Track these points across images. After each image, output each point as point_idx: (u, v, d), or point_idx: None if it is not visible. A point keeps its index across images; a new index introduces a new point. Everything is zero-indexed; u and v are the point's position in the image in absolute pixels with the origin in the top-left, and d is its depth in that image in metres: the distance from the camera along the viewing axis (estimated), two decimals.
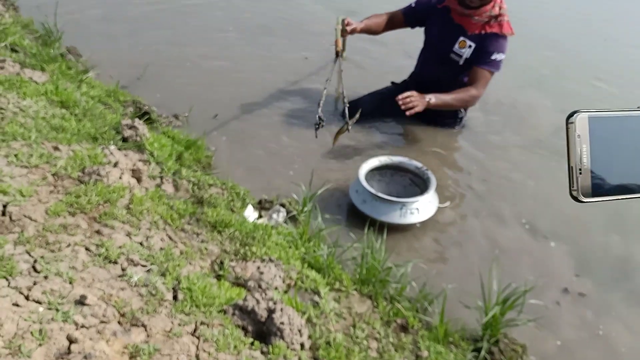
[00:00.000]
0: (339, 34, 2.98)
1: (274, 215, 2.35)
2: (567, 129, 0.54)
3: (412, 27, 3.37)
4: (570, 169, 0.55)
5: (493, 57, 2.97)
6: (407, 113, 2.77)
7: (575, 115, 0.54)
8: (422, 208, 2.52)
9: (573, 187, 0.54)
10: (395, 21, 3.36)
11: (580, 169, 0.54)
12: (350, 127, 2.72)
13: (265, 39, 4.42)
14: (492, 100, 3.75)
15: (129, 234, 1.65)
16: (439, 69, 3.20)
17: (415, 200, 2.48)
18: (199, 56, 3.98)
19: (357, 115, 2.81)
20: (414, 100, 2.77)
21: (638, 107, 0.58)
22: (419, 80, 3.36)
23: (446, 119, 3.36)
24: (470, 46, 3.02)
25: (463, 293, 2.13)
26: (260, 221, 2.30)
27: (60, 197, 1.70)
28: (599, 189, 0.55)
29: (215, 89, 3.54)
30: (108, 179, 1.83)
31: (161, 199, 1.94)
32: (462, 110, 3.33)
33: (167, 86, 3.48)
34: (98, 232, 1.62)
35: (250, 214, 2.32)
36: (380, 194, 2.47)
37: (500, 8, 2.96)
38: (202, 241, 1.81)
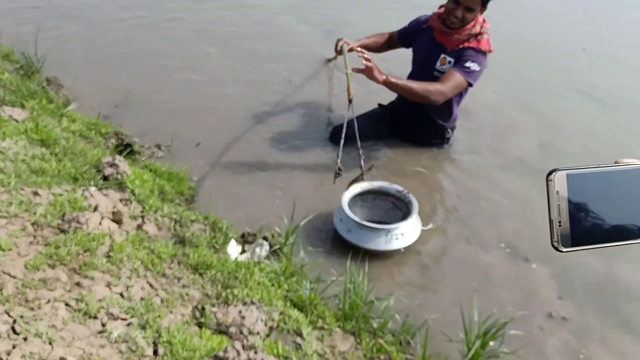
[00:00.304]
0: (350, 79, 2.94)
1: (257, 250, 2.36)
2: (547, 185, 0.59)
3: (407, 47, 3.45)
4: (550, 221, 0.59)
5: (467, 65, 2.99)
6: (356, 69, 2.80)
7: (553, 173, 0.59)
8: (406, 233, 2.55)
9: (553, 238, 0.59)
10: (393, 41, 3.51)
11: (559, 222, 0.59)
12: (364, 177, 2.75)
13: (249, 61, 4.42)
14: (475, 119, 3.78)
15: (109, 285, 1.66)
16: None
17: (399, 225, 2.51)
18: (182, 80, 3.97)
19: (372, 168, 2.85)
20: (373, 67, 2.77)
21: (615, 162, 0.63)
22: (406, 101, 3.39)
23: (433, 139, 3.39)
24: (450, 62, 3.07)
25: (446, 323, 2.16)
26: (243, 257, 2.32)
27: (39, 249, 1.70)
28: (578, 239, 0.59)
29: (199, 115, 3.54)
30: (88, 226, 1.84)
31: (142, 243, 1.95)
32: (450, 130, 3.37)
33: (150, 113, 3.48)
34: (78, 284, 1.62)
35: (233, 249, 2.34)
36: (365, 223, 2.49)
37: (481, 27, 3.00)
38: (184, 286, 1.82)
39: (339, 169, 2.74)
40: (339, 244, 2.57)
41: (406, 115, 3.32)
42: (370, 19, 5.58)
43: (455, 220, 2.83)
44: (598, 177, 0.61)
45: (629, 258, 2.60)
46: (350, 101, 2.89)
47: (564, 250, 0.59)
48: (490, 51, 3.04)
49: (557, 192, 0.59)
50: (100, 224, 1.90)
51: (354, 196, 2.74)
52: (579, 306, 2.36)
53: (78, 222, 1.83)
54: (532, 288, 2.44)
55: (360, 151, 2.81)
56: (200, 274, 1.92)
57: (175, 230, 2.21)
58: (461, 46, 3.03)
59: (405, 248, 2.55)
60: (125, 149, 2.95)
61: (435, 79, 3.11)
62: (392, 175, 3.09)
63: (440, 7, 3.11)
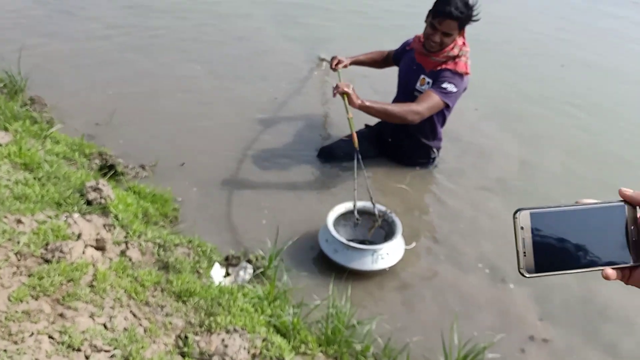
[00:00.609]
0: (353, 126, 2.99)
1: (241, 273, 2.38)
2: (514, 221, 0.71)
3: (398, 66, 3.55)
4: (517, 251, 0.71)
5: (444, 86, 3.05)
6: (335, 94, 2.92)
7: (518, 212, 0.71)
8: (391, 252, 2.60)
9: (520, 265, 0.71)
10: (389, 59, 3.66)
11: (524, 252, 0.71)
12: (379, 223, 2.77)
13: (234, 80, 4.44)
14: (458, 138, 3.84)
15: (92, 315, 1.67)
16: None
17: (385, 246, 2.55)
18: (168, 99, 3.99)
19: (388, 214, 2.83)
20: (346, 89, 2.87)
21: (576, 202, 0.74)
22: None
23: (419, 158, 3.46)
24: (428, 82, 3.14)
25: (428, 346, 2.20)
26: (227, 280, 2.34)
27: (23, 280, 1.71)
28: (540, 267, 0.71)
29: (184, 134, 3.56)
30: (71, 255, 1.85)
31: (125, 271, 1.96)
32: (435, 150, 3.43)
33: (135, 132, 3.49)
34: (61, 315, 1.64)
35: (217, 272, 2.36)
36: (352, 244, 2.52)
37: (460, 50, 3.07)
38: (167, 314, 1.84)
39: (357, 219, 2.76)
40: (323, 265, 2.60)
41: (392, 135, 3.38)
42: (352, 31, 5.65)
43: (436, 241, 2.87)
44: (557, 215, 0.72)
45: (604, 283, 2.65)
46: (355, 149, 2.94)
47: (528, 276, 0.71)
48: (467, 73, 3.10)
49: (522, 228, 0.71)
50: (83, 252, 1.92)
51: (338, 216, 2.77)
52: (559, 327, 2.40)
53: (61, 251, 1.85)
54: (513, 309, 2.48)
55: (372, 199, 2.78)
56: (184, 301, 1.94)
57: (159, 255, 2.22)
58: (439, 68, 3.10)
59: (389, 268, 2.59)
60: (110, 169, 2.96)
61: (415, 98, 3.17)
62: (376, 192, 3.13)
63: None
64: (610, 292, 2.59)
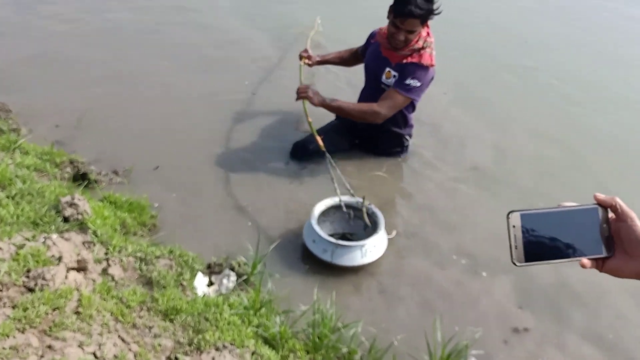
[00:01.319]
0: (314, 130, 3.07)
1: (224, 281, 2.39)
2: (507, 221, 0.87)
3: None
4: (509, 246, 0.87)
5: (407, 82, 3.09)
6: (297, 98, 3.03)
7: (511, 213, 0.87)
8: (378, 244, 2.66)
9: (512, 257, 0.87)
10: (358, 55, 3.65)
11: (515, 246, 0.87)
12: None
13: (205, 74, 4.38)
14: (432, 124, 3.88)
15: (81, 345, 1.67)
16: (377, 99, 3.32)
17: (373, 239, 2.61)
18: (137, 98, 3.92)
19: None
20: (309, 92, 2.99)
21: (558, 205, 0.90)
22: None
23: (392, 147, 3.49)
24: (394, 76, 3.16)
25: (412, 344, 2.25)
26: (210, 289, 2.35)
27: (7, 312, 1.69)
28: (529, 258, 0.87)
29: (156, 135, 3.51)
30: (54, 282, 1.83)
31: (110, 292, 1.96)
32: (407, 138, 3.47)
33: (105, 136, 3.43)
34: (50, 347, 1.63)
35: (200, 281, 2.36)
36: (341, 242, 2.57)
37: (424, 41, 3.08)
38: (155, 336, 1.84)
39: (349, 214, 2.83)
40: (307, 265, 2.63)
41: (364, 126, 3.39)
42: (318, 14, 5.59)
43: (412, 234, 2.91)
44: (543, 216, 0.88)
45: (575, 265, 2.75)
46: (324, 151, 3.00)
47: (519, 265, 0.87)
48: (432, 65, 3.12)
49: (514, 226, 0.87)
50: (66, 277, 1.90)
51: (319, 215, 2.79)
52: (538, 315, 2.49)
53: (44, 278, 1.82)
54: (492, 300, 2.55)
55: (365, 203, 2.81)
56: (171, 320, 1.94)
57: (141, 270, 2.21)
58: (405, 61, 3.12)
59: (368, 266, 2.63)
60: (82, 178, 2.91)
61: (382, 91, 3.22)
62: (353, 182, 3.17)
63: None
64: (580, 278, 2.68)
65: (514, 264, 0.87)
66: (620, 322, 2.49)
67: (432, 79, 3.19)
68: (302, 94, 2.99)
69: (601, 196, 0.89)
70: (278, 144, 3.53)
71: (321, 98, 3.02)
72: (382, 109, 3.11)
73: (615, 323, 2.48)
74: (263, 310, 2.16)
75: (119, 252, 2.26)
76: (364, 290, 2.54)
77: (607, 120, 4.28)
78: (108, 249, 2.24)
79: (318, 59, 3.69)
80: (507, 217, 0.87)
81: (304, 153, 3.38)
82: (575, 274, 2.69)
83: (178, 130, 3.59)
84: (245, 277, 2.40)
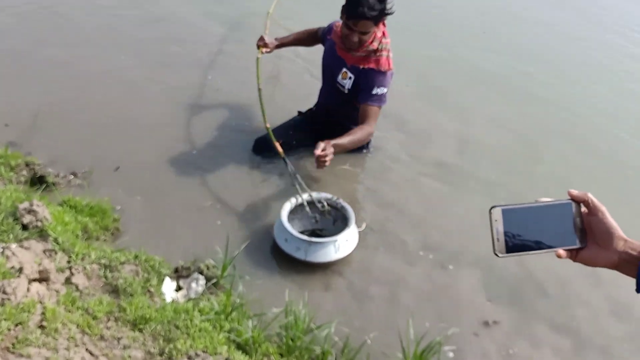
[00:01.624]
0: (273, 137, 3.03)
1: (193, 285, 2.34)
2: (489, 216, 0.93)
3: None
4: (492, 238, 0.93)
5: (374, 92, 3.05)
6: (318, 166, 2.79)
7: (493, 208, 0.93)
8: (350, 238, 2.67)
9: (495, 248, 0.93)
10: (317, 37, 3.54)
11: (497, 238, 0.93)
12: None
13: (164, 68, 4.24)
14: (395, 117, 3.88)
15: None
16: (334, 98, 3.31)
17: (345, 234, 2.61)
18: (96, 95, 3.77)
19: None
20: (329, 155, 2.75)
21: (535, 200, 0.96)
22: (322, 109, 3.45)
23: None
24: (350, 77, 3.12)
25: (385, 341, 2.25)
26: (179, 295, 2.29)
27: None
28: (509, 249, 0.93)
29: (116, 133, 3.39)
30: (16, 295, 1.75)
31: (75, 303, 1.89)
32: None
33: (63, 135, 3.29)
34: None
35: (168, 286, 2.31)
36: (315, 239, 2.56)
37: (380, 43, 3.02)
38: (124, 347, 1.79)
39: (323, 209, 2.81)
40: (277, 265, 2.61)
41: (326, 125, 3.37)
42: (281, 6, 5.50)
43: (378, 231, 2.89)
44: (522, 211, 0.94)
45: (538, 256, 2.81)
46: (283, 158, 2.97)
47: (500, 256, 0.93)
48: (389, 69, 3.07)
49: (495, 220, 0.93)
50: (28, 290, 1.82)
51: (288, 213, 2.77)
52: (506, 307, 2.53)
53: (4, 292, 1.74)
54: (461, 294, 2.58)
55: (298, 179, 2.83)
56: (140, 330, 1.89)
57: (106, 278, 2.14)
58: (362, 66, 3.06)
59: (342, 261, 2.62)
60: (40, 181, 2.79)
61: (338, 91, 3.20)
62: (318, 177, 3.17)
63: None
64: (543, 267, 2.74)
65: (496, 255, 0.93)
66: (582, 310, 2.57)
67: (390, 81, 3.15)
68: (322, 159, 2.74)
69: (574, 192, 0.96)
70: (242, 139, 3.45)
71: (331, 146, 2.81)
72: (372, 126, 3.09)
73: (578, 311, 2.55)
74: (234, 314, 2.12)
75: (82, 259, 2.18)
76: (335, 289, 2.53)
77: (565, 110, 4.38)
78: (70, 256, 2.16)
79: (276, 42, 3.57)
80: (490, 212, 0.92)
81: (266, 148, 3.33)
82: (538, 264, 2.75)
83: (138, 128, 3.48)
84: (214, 280, 2.35)
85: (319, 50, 3.51)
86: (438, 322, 2.35)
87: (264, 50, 3.52)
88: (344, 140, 2.94)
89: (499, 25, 6.13)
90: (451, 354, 2.24)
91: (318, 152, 2.71)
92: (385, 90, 3.06)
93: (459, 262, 2.74)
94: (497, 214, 0.92)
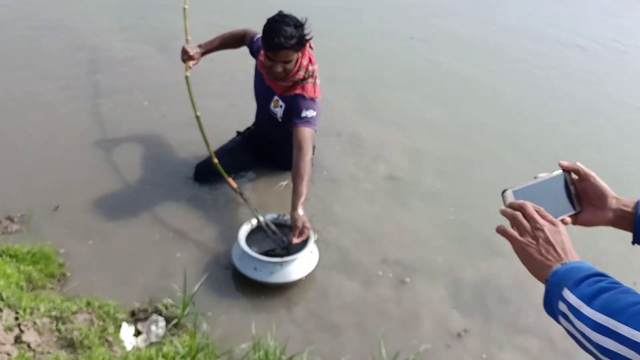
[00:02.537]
0: (225, 174, 2.99)
1: (152, 327, 2.24)
2: (503, 198, 1.02)
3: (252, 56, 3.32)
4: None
5: (304, 115, 2.95)
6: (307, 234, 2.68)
7: (505, 192, 1.02)
8: (313, 250, 2.69)
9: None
10: (245, 40, 3.33)
11: None
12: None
13: (93, 96, 4.06)
14: (337, 131, 3.89)
15: None
16: (269, 123, 3.22)
17: (308, 247, 2.59)
18: (23, 128, 3.55)
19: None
20: (306, 223, 2.64)
21: (535, 177, 1.06)
22: (261, 132, 3.38)
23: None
24: (281, 106, 3.05)
25: None
26: (139, 340, 2.18)
27: None
28: None
29: (51, 169, 3.19)
30: None
31: None
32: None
33: None
34: None
35: (127, 332, 2.19)
36: (285, 259, 2.51)
37: (306, 71, 2.94)
38: None
39: (273, 232, 2.77)
40: (239, 295, 2.53)
41: (264, 148, 3.33)
42: (200, 26, 5.38)
43: (335, 252, 2.86)
44: (529, 189, 1.03)
45: (493, 260, 2.89)
46: (238, 192, 2.93)
47: None
48: (315, 97, 3.00)
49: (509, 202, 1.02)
50: None
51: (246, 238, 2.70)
52: (472, 315, 2.56)
53: None
54: (427, 307, 2.56)
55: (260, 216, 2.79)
56: None
57: (59, 331, 2.00)
58: (290, 93, 2.99)
59: (302, 287, 2.58)
60: None
61: (272, 117, 3.12)
62: (264, 199, 3.14)
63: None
64: (499, 272, 2.81)
65: None
66: (542, 312, 2.62)
67: (319, 108, 3.05)
68: (306, 232, 2.63)
69: (565, 163, 1.07)
70: (186, 168, 3.35)
71: (300, 209, 2.67)
72: (309, 153, 2.88)
73: (538, 314, 2.61)
74: (201, 356, 2.04)
75: (31, 314, 2.03)
76: (301, 317, 2.46)
77: (497, 112, 4.55)
78: (18, 312, 2.00)
79: (201, 50, 3.28)
80: (503, 195, 1.02)
81: (209, 174, 3.22)
82: (493, 269, 2.81)
83: (75, 162, 3.29)
84: (175, 320, 2.25)
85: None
86: (410, 339, 2.35)
87: (191, 64, 3.24)
88: (302, 190, 2.75)
89: (425, 30, 6.28)
90: None
91: (297, 234, 2.61)
92: (315, 112, 2.96)
93: (418, 275, 2.75)
94: (510, 195, 1.02)
